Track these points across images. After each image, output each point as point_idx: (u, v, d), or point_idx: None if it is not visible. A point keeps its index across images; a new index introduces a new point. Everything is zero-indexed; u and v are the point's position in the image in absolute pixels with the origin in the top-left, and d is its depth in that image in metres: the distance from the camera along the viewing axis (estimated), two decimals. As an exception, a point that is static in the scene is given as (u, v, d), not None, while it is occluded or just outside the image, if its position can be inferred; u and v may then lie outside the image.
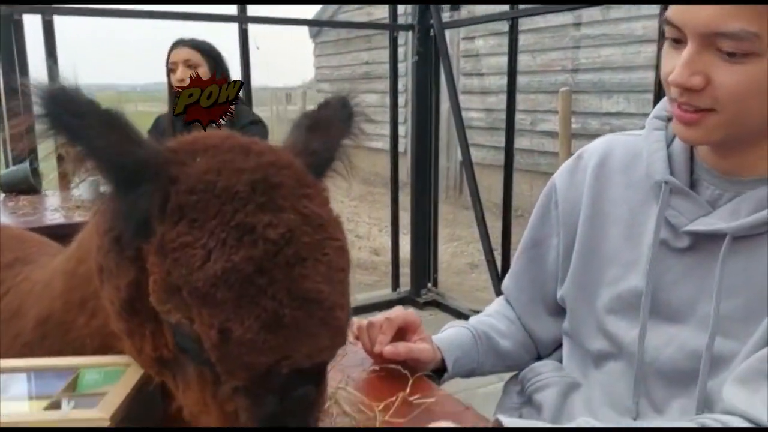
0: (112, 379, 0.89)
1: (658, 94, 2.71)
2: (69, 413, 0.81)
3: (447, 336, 1.15)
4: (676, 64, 0.80)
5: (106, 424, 0.77)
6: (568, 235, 1.06)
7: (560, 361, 1.11)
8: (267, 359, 0.67)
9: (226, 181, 0.74)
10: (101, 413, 0.78)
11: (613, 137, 1.07)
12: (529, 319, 1.16)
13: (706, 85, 0.79)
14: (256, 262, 0.68)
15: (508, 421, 0.72)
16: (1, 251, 1.20)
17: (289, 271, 0.69)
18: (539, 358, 1.16)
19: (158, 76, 2.93)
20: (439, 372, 1.12)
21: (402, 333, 1.10)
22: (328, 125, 0.90)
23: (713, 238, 0.87)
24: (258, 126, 2.82)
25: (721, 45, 0.77)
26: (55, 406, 0.84)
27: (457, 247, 5.78)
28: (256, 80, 3.65)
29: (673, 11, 0.80)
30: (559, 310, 1.12)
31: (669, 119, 0.97)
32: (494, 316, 1.19)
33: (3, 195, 2.86)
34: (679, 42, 0.82)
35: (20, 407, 0.86)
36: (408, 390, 0.99)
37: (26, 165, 2.94)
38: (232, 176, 0.74)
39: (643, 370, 0.93)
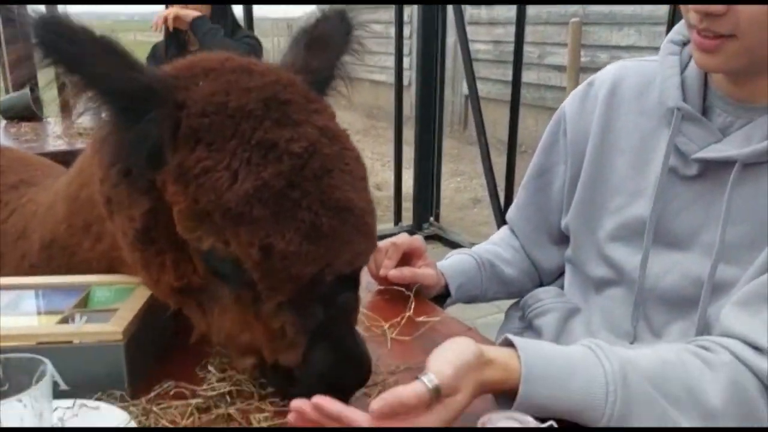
0: (122, 296, 0.91)
1: (672, 26, 2.63)
2: (81, 327, 0.83)
3: (451, 262, 1.16)
4: None
5: (119, 337, 0.79)
6: (575, 163, 1.06)
7: (561, 288, 1.13)
8: (311, 269, 0.69)
9: (236, 101, 0.73)
10: (113, 327, 0.80)
11: (625, 63, 1.05)
12: (533, 249, 1.17)
13: (727, 10, 0.76)
14: (285, 177, 0.69)
15: (516, 341, 0.73)
16: (6, 173, 1.20)
17: (318, 183, 0.70)
18: (542, 285, 1.18)
19: (156, 6, 2.89)
20: (442, 298, 1.14)
21: (407, 258, 1.11)
22: (327, 41, 0.89)
23: (723, 165, 0.86)
24: (254, 40, 2.86)
25: None
26: (68, 320, 0.86)
27: (460, 183, 5.77)
28: (258, 10, 3.55)
29: None
30: (563, 239, 1.12)
31: (684, 44, 0.95)
32: (499, 245, 1.20)
33: (5, 122, 2.84)
34: None
35: (33, 321, 0.88)
36: (412, 310, 1.01)
37: (26, 91, 2.91)
38: (241, 96, 0.73)
39: (643, 295, 0.95)
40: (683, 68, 0.93)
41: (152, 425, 0.74)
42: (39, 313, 0.90)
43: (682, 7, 0.84)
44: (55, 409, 0.71)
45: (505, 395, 0.72)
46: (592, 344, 0.75)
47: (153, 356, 0.90)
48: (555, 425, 0.63)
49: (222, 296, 0.77)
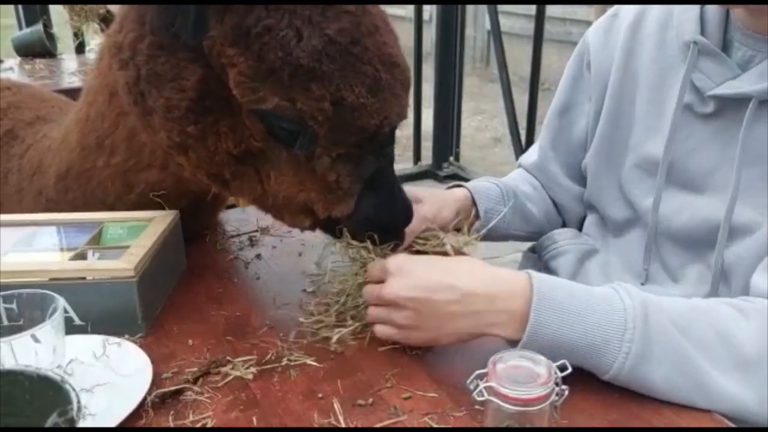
0: (135, 233, 0.91)
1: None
2: (93, 263, 0.83)
3: (476, 185, 1.09)
4: None
5: (130, 274, 0.79)
6: (599, 98, 1.01)
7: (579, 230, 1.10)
8: (374, 120, 0.74)
9: None
10: (125, 264, 0.80)
11: None
12: (555, 189, 1.12)
13: None
14: (348, 33, 0.73)
15: (537, 276, 0.71)
16: (22, 109, 1.19)
17: (373, 40, 0.75)
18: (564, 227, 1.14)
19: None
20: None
21: None
22: None
23: (739, 103, 0.82)
24: None
25: None
26: (81, 257, 0.86)
27: (481, 121, 5.68)
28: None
29: None
30: (585, 180, 1.08)
31: None
32: (518, 180, 1.16)
33: (19, 59, 2.82)
34: None
35: (46, 257, 0.88)
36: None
37: (40, 27, 2.87)
38: None
39: (655, 236, 0.92)
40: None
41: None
42: (52, 250, 0.91)
43: None
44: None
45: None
46: (615, 284, 0.73)
47: (165, 293, 0.91)
48: (567, 364, 0.62)
49: (278, 158, 0.79)
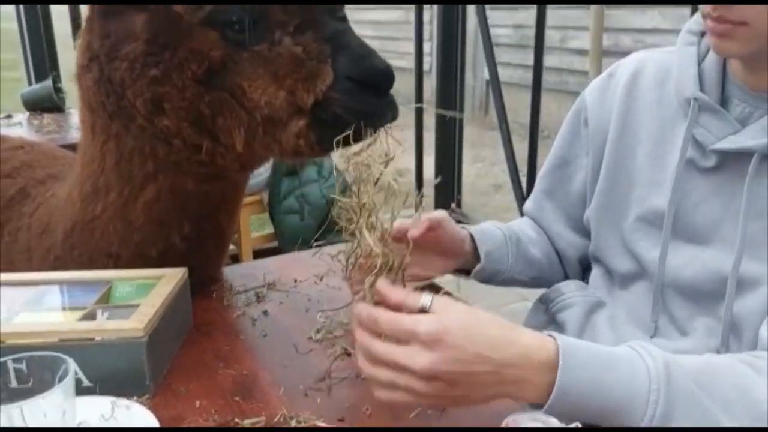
0: (144, 291, 0.91)
1: (695, 8, 2.56)
2: (103, 323, 0.84)
3: (478, 228, 1.10)
4: None
5: (140, 334, 0.80)
6: (597, 154, 1.04)
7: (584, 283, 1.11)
8: None
9: None
10: (135, 324, 0.81)
11: (645, 54, 1.03)
12: (555, 238, 1.14)
13: None
14: None
15: (563, 340, 0.70)
16: (35, 167, 1.21)
17: None
18: (566, 276, 1.15)
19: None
20: (466, 272, 1.09)
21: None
22: None
23: (741, 157, 0.85)
24: None
25: None
26: (90, 316, 0.87)
27: (482, 168, 5.73)
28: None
29: None
30: (585, 230, 1.10)
31: (702, 34, 0.93)
32: (522, 224, 1.17)
33: (28, 113, 2.87)
34: None
35: (56, 317, 0.89)
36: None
37: (49, 83, 2.94)
38: None
39: (663, 289, 0.93)
40: (701, 59, 0.92)
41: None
42: (62, 309, 0.91)
43: None
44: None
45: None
46: (635, 344, 0.73)
47: (173, 351, 0.91)
48: (580, 426, 0.61)
49: (242, 64, 0.83)
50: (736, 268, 0.84)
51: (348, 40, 0.84)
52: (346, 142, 0.80)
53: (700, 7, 0.83)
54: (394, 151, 0.81)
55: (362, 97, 0.84)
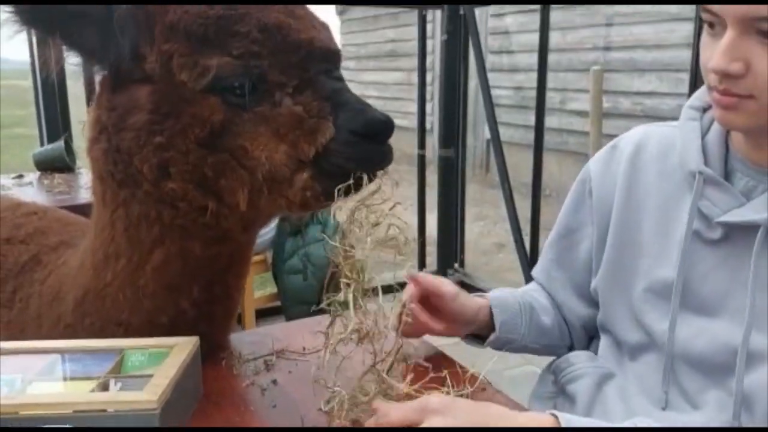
0: (156, 360, 0.92)
1: (695, 73, 2.64)
2: (117, 395, 0.84)
3: (495, 297, 1.11)
4: (714, 51, 0.80)
5: (153, 406, 0.80)
6: (602, 224, 1.06)
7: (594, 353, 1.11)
8: (304, 35, 0.88)
9: None
10: (148, 395, 0.81)
11: (648, 127, 1.06)
12: (562, 305, 1.15)
13: (746, 71, 0.78)
14: None
15: (565, 419, 0.72)
16: (47, 233, 1.23)
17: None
18: (571, 347, 1.16)
19: None
20: (480, 338, 1.11)
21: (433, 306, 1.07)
22: None
23: (747, 229, 0.86)
24: None
25: (761, 26, 0.75)
26: (103, 386, 0.87)
27: (484, 227, 5.76)
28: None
29: None
30: (592, 300, 1.11)
31: (704, 110, 0.96)
32: (534, 292, 1.18)
33: (39, 173, 2.92)
34: (714, 26, 0.81)
35: (70, 387, 0.89)
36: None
37: (61, 143, 2.99)
38: None
39: (673, 361, 0.93)
40: (704, 133, 0.94)
41: None
42: (75, 379, 0.92)
43: (703, 69, 0.85)
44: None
45: None
46: (637, 420, 0.73)
47: (183, 422, 0.91)
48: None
49: (243, 125, 0.87)
50: (746, 340, 0.85)
51: (346, 97, 0.89)
52: (347, 192, 0.86)
53: (706, 80, 0.85)
54: (392, 194, 0.87)
55: (362, 146, 0.88)
